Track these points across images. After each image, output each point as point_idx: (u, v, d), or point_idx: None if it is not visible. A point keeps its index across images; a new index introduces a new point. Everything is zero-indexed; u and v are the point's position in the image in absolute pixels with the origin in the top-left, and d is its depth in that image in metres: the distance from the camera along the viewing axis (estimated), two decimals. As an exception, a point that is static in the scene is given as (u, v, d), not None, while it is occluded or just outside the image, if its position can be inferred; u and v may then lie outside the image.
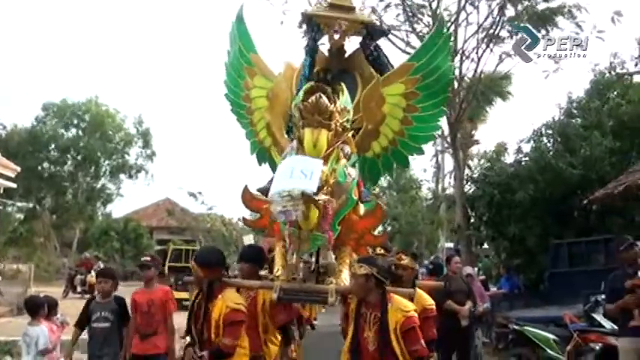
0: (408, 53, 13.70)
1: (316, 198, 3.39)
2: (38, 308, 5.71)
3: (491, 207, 13.75)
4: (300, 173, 3.39)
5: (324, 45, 4.92)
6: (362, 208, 4.15)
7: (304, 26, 4.84)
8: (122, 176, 33.41)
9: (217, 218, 23.12)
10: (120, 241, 29.34)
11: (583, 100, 14.23)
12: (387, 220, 26.69)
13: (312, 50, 4.73)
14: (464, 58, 14.62)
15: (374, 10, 14.04)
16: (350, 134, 4.14)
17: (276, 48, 6.16)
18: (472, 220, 15.02)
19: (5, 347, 8.73)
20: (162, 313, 5.46)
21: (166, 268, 17.81)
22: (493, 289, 12.91)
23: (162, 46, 63.35)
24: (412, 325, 3.55)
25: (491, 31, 14.13)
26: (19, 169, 13.97)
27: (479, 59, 14.46)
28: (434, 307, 4.61)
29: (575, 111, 14.35)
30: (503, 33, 14.27)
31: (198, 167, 52.68)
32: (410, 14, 14.82)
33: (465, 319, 6.99)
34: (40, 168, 30.97)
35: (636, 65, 14.20)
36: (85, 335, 5.56)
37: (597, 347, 6.70)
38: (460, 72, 14.70)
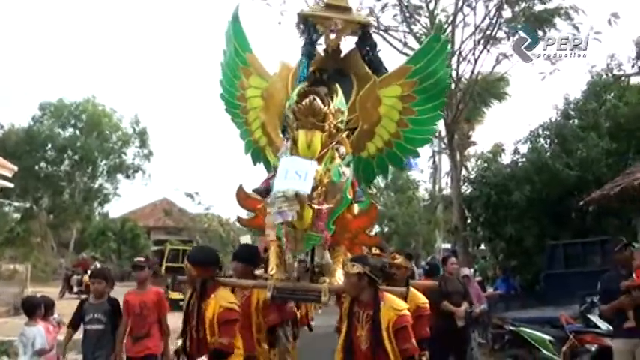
0: (406, 54, 13.77)
1: (314, 205, 3.41)
2: (35, 308, 5.70)
3: (487, 208, 13.77)
4: (294, 174, 3.41)
5: (321, 46, 4.93)
6: (356, 208, 4.18)
7: (301, 26, 4.84)
8: (119, 176, 33.41)
9: (214, 218, 23.08)
10: (117, 241, 29.27)
11: (580, 102, 14.25)
12: (385, 220, 26.76)
13: (309, 53, 4.74)
14: (461, 59, 14.67)
15: (371, 12, 14.07)
16: (345, 134, 4.15)
17: (274, 48, 6.16)
18: (469, 221, 15.05)
19: (2, 347, 8.72)
20: (154, 314, 5.44)
21: (163, 268, 17.82)
22: (490, 289, 12.93)
23: (158, 46, 63.43)
24: (404, 324, 3.56)
25: (489, 32, 14.17)
26: (16, 168, 13.89)
27: (476, 60, 14.55)
28: (427, 305, 4.63)
29: (571, 112, 14.37)
30: (500, 34, 14.37)
31: (195, 167, 52.71)
32: (407, 15, 14.85)
33: (461, 319, 6.99)
34: (37, 168, 30.93)
35: (633, 67, 14.22)
36: (80, 335, 5.55)
37: (593, 348, 6.72)
38: (457, 73, 14.75)
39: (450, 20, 14.60)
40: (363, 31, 4.82)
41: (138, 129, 32.86)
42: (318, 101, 3.68)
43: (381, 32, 14.52)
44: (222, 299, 3.77)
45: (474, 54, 14.51)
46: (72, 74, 54.55)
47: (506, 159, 15.39)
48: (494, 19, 14.03)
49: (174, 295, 13.73)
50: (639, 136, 12.62)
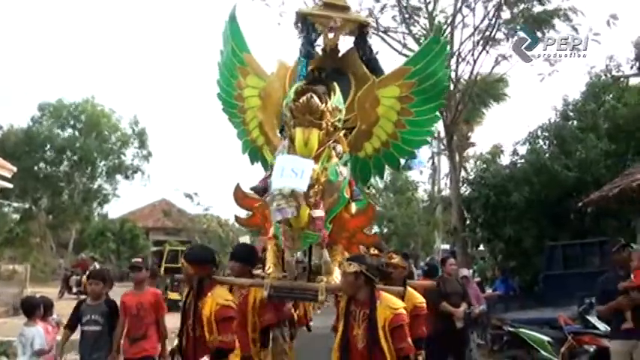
0: (405, 55, 13.78)
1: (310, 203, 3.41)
2: (34, 309, 5.69)
3: (486, 209, 13.76)
4: (291, 172, 3.42)
5: (319, 45, 4.93)
6: (354, 207, 4.18)
7: (299, 25, 4.85)
8: (118, 177, 33.33)
9: (214, 219, 23.03)
10: (116, 241, 29.23)
11: (579, 103, 14.24)
12: (384, 221, 26.77)
13: (308, 52, 4.74)
14: (460, 60, 14.68)
15: (371, 13, 14.09)
16: (342, 133, 4.15)
17: (273, 48, 6.16)
18: (468, 222, 15.04)
19: (1, 348, 8.69)
20: (151, 316, 5.40)
21: (162, 269, 17.82)
22: (488, 290, 12.92)
23: (157, 47, 63.29)
24: (400, 323, 3.57)
25: (488, 33, 14.18)
26: (15, 169, 13.91)
27: (475, 61, 14.55)
28: (424, 305, 4.63)
29: (570, 113, 14.37)
30: (500, 35, 14.38)
31: (194, 168, 52.62)
32: (406, 16, 14.87)
33: (459, 321, 6.99)
34: (36, 168, 30.86)
35: (632, 68, 14.22)
36: (77, 335, 5.54)
37: (591, 349, 6.72)
38: (456, 74, 14.76)
39: (449, 21, 14.60)
40: (362, 31, 4.83)
41: (137, 129, 32.82)
42: (316, 99, 3.69)
43: (380, 33, 14.55)
44: (219, 297, 3.78)
45: (473, 55, 14.54)
46: (71, 75, 54.48)
47: (505, 160, 15.44)
48: (493, 20, 14.05)
49: (173, 295, 13.72)
50: (638, 137, 12.61)
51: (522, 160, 14.08)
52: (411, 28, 15.04)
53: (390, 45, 14.82)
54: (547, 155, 13.37)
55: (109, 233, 29.29)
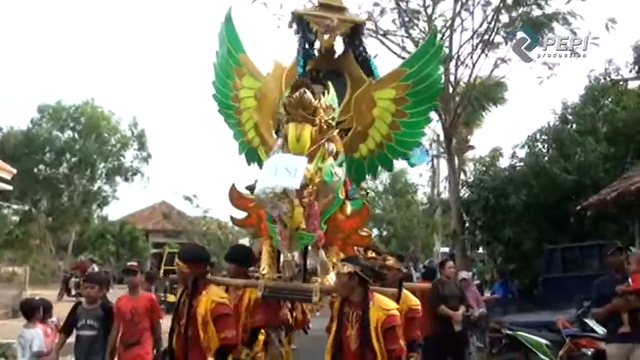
0: (404, 58, 13.76)
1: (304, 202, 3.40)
2: (34, 311, 5.69)
3: (486, 211, 13.77)
4: (284, 170, 3.42)
5: (315, 48, 4.93)
6: (349, 208, 4.17)
7: (295, 25, 4.85)
8: (118, 179, 33.28)
9: (213, 221, 23.04)
10: (116, 244, 29.21)
11: (578, 106, 14.27)
12: (383, 224, 26.78)
13: (305, 52, 4.74)
14: (459, 63, 14.69)
15: (370, 16, 14.10)
16: (336, 132, 4.15)
17: (272, 48, 6.15)
18: (467, 225, 15.03)
19: (0, 350, 8.69)
20: (146, 321, 5.33)
21: (162, 271, 17.81)
22: (487, 293, 12.90)
23: (157, 49, 63.37)
24: (392, 324, 3.55)
25: (486, 36, 14.19)
26: (14, 171, 13.93)
27: (474, 65, 14.54)
28: (419, 307, 4.61)
29: (569, 117, 14.39)
30: (498, 39, 14.38)
31: (194, 170, 52.63)
32: (405, 20, 14.88)
33: (458, 324, 6.97)
34: (35, 170, 30.82)
35: (631, 72, 14.24)
36: (73, 339, 5.51)
37: (589, 352, 6.73)
38: (455, 77, 14.77)
39: (448, 25, 14.63)
40: (357, 31, 4.83)
41: (136, 131, 32.80)
42: (309, 94, 3.69)
43: (379, 36, 14.57)
44: (214, 295, 3.79)
45: (471, 58, 14.54)
46: (70, 77, 54.56)
47: (504, 163, 15.42)
48: (492, 23, 14.06)
49: (172, 298, 13.67)
50: (637, 140, 12.62)
51: (521, 163, 14.09)
52: (410, 31, 15.07)
53: (389, 48, 14.84)
54: (546, 158, 13.39)
55: (108, 235, 29.29)
